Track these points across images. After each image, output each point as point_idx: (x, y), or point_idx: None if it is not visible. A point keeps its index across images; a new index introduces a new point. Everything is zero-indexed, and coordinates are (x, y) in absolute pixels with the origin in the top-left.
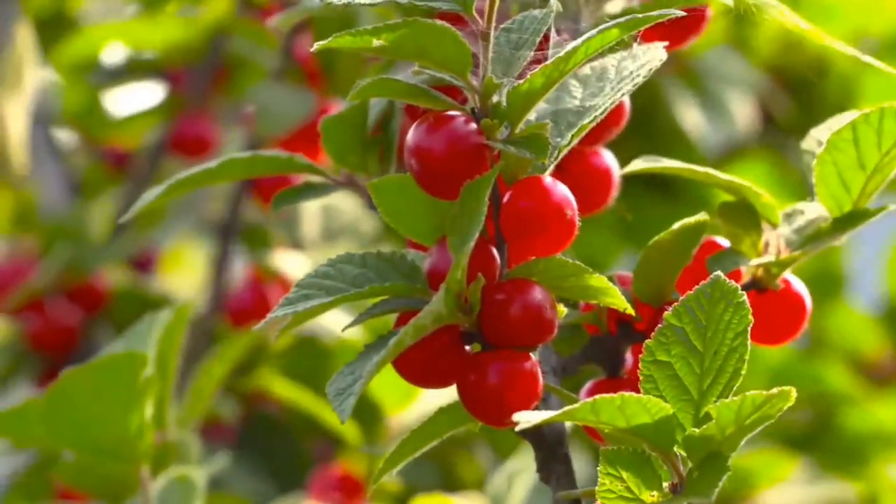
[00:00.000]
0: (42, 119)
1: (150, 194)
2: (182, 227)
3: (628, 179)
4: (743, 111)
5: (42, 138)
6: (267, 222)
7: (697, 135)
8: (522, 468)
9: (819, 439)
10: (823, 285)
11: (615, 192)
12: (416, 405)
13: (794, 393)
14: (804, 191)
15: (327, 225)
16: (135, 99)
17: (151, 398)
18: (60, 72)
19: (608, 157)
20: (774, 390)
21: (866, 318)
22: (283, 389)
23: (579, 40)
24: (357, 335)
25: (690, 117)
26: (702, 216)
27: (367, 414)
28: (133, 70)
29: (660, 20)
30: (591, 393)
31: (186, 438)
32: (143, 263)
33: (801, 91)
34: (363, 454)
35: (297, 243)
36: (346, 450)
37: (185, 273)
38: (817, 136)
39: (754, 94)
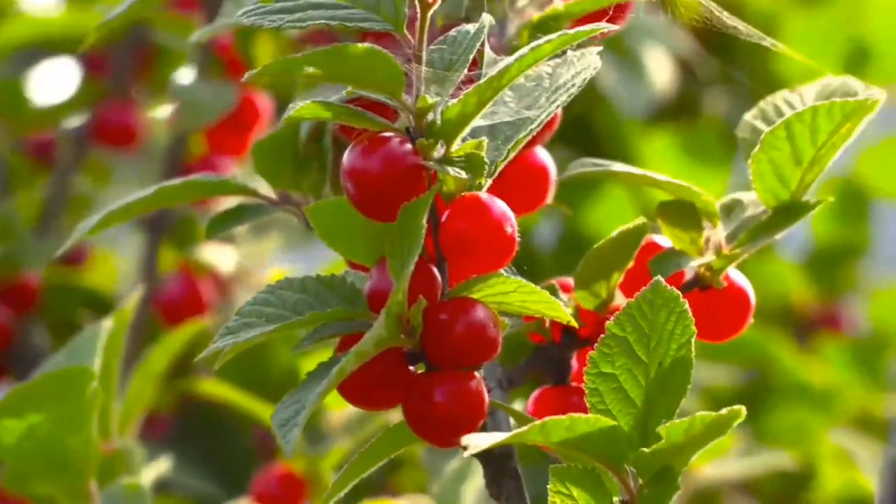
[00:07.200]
0: None
1: (85, 225)
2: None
3: (554, 142)
4: (662, 68)
5: None
6: (196, 215)
7: (619, 98)
8: (469, 469)
9: (756, 402)
10: None
11: (552, 191)
12: None
13: (744, 412)
14: (724, 152)
15: None
16: (55, 85)
17: (97, 410)
18: None
19: (544, 157)
20: (724, 410)
21: (792, 265)
22: (220, 390)
23: (512, 58)
24: None
25: (611, 79)
26: (641, 220)
27: None
28: (49, 49)
29: (591, 35)
30: (539, 402)
31: (130, 445)
32: (74, 258)
33: (714, 35)
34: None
35: (227, 236)
36: None
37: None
38: (751, 122)
39: (671, 45)
